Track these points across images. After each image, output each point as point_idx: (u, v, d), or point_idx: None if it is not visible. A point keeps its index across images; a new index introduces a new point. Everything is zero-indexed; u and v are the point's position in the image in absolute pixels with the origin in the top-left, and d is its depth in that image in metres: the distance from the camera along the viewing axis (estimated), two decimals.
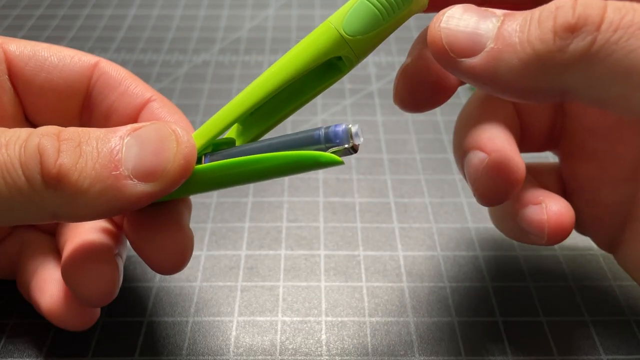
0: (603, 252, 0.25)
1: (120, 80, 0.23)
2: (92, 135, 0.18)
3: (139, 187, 0.18)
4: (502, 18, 0.18)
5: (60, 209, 0.18)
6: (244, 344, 0.23)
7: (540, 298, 0.25)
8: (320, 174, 0.32)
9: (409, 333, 0.24)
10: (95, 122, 0.24)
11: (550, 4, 0.17)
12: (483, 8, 0.18)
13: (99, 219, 0.20)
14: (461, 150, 0.22)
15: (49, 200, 0.18)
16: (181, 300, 0.25)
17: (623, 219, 0.23)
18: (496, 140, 0.21)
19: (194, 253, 0.27)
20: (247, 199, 0.31)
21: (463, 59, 0.18)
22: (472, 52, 0.18)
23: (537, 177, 0.24)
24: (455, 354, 0.23)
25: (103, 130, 0.19)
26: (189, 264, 0.27)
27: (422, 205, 0.30)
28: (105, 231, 0.23)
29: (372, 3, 0.19)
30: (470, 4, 0.18)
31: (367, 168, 0.33)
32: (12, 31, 0.46)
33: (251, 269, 0.27)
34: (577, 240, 0.27)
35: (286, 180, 0.32)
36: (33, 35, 0.46)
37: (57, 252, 0.24)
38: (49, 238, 0.25)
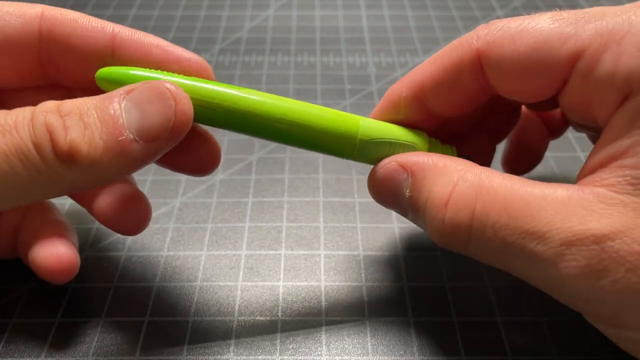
0: None
1: (73, 22, 0.22)
2: (90, 105, 0.19)
3: (145, 148, 0.19)
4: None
5: (77, 181, 0.19)
6: (244, 343, 0.24)
7: (540, 298, 0.25)
8: (320, 174, 0.32)
9: (409, 333, 0.24)
10: (68, 74, 0.22)
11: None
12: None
13: (113, 182, 0.22)
14: None
15: (66, 175, 0.19)
16: (181, 300, 0.25)
17: None
18: None
19: (194, 253, 0.27)
20: (247, 199, 0.31)
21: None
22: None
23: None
24: (454, 353, 0.23)
25: (98, 97, 0.19)
26: (189, 264, 0.27)
27: None
28: None
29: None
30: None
31: (367, 168, 0.33)
32: None
33: (251, 269, 0.27)
34: None
35: (286, 180, 0.32)
36: None
37: (53, 209, 0.25)
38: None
